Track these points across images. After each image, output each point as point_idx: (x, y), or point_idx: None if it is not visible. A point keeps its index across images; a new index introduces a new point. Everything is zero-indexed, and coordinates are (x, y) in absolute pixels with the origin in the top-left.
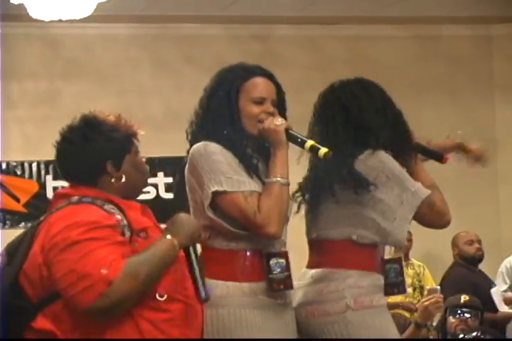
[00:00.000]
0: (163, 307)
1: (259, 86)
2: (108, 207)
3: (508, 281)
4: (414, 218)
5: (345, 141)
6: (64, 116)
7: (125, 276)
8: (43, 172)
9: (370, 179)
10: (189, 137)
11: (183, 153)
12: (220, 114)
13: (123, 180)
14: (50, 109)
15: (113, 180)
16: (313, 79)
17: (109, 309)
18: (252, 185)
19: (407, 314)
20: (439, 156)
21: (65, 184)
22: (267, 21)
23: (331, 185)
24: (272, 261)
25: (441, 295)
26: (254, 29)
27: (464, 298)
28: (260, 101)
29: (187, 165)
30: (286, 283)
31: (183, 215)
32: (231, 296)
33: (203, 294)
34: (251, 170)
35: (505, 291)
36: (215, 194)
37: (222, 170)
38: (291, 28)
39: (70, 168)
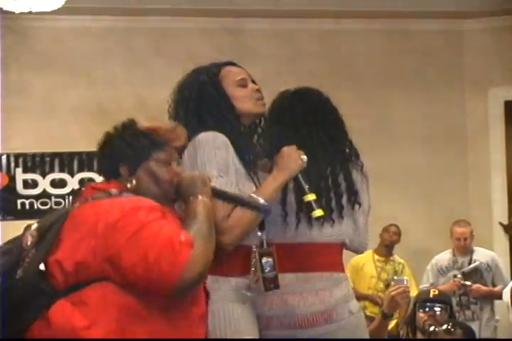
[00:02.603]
0: (191, 309)
1: (234, 70)
2: None
3: (431, 280)
4: None
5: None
6: (34, 108)
7: (198, 239)
8: (12, 164)
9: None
10: None
11: None
12: (216, 105)
13: (133, 183)
14: (20, 101)
15: (128, 185)
16: (285, 73)
17: (198, 278)
18: (237, 189)
19: (375, 308)
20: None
21: (36, 177)
22: (238, 15)
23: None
24: (264, 260)
25: (408, 286)
26: (226, 22)
27: (433, 292)
28: (244, 84)
29: (186, 151)
30: (275, 282)
31: (183, 178)
32: (221, 290)
33: (261, 204)
34: (251, 164)
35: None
36: None
37: (218, 167)
38: (264, 21)
39: (98, 164)
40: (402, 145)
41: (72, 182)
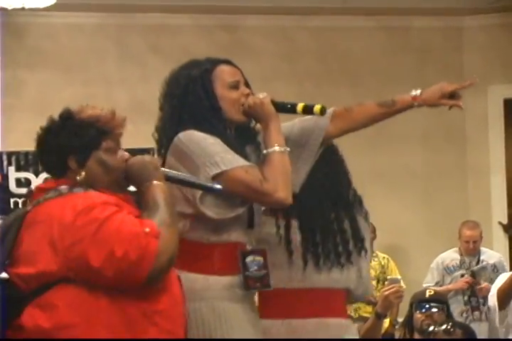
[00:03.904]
0: (156, 298)
1: (228, 71)
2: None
3: (436, 278)
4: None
5: None
6: (28, 106)
7: (162, 227)
8: (5, 163)
9: None
10: (159, 132)
11: (149, 145)
12: (200, 106)
13: (82, 175)
14: (13, 99)
15: (78, 177)
16: (281, 70)
17: (167, 266)
18: (247, 161)
19: (368, 307)
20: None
21: (28, 175)
22: (235, 11)
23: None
24: (248, 259)
25: (403, 285)
26: (223, 19)
27: (429, 292)
28: (236, 86)
29: (171, 153)
30: (263, 281)
31: (132, 163)
32: (212, 289)
33: (216, 186)
34: (242, 157)
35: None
36: (215, 177)
37: (216, 150)
38: (260, 18)
39: (41, 161)
40: (401, 144)
41: None
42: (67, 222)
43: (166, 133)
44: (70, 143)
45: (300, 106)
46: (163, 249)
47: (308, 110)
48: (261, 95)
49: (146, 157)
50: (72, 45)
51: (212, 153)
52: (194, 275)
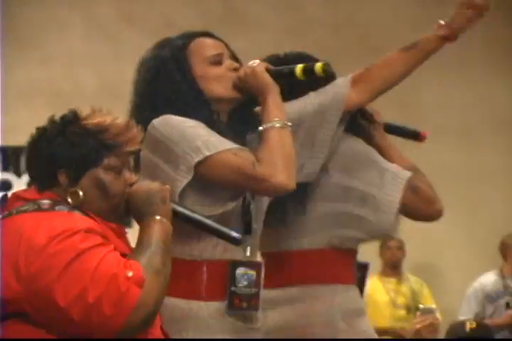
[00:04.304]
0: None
1: (207, 44)
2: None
3: (475, 309)
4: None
5: None
6: None
7: (149, 274)
8: None
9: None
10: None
11: None
12: (176, 89)
13: (80, 196)
14: None
15: (69, 197)
16: (287, 45)
17: (144, 322)
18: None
19: None
20: (415, 134)
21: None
22: None
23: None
24: (239, 271)
25: (438, 317)
26: None
27: (470, 324)
28: (218, 60)
29: (145, 145)
30: (252, 302)
31: (136, 191)
32: (195, 318)
33: (235, 234)
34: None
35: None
36: (198, 166)
37: (196, 133)
38: None
39: (27, 168)
40: (435, 139)
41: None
42: (37, 247)
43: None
44: (63, 154)
45: (299, 69)
46: (145, 300)
47: (308, 71)
48: (254, 63)
49: (155, 184)
50: (26, 14)
51: (192, 137)
52: (173, 300)
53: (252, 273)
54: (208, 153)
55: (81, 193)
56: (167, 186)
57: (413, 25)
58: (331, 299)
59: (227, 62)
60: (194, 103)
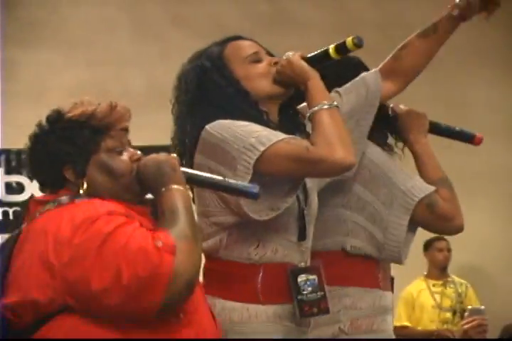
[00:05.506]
0: (178, 331)
1: (242, 45)
2: None
3: None
4: (414, 222)
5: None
6: (21, 92)
7: (180, 240)
8: None
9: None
10: (179, 135)
11: (170, 141)
12: (223, 94)
13: (85, 186)
14: (3, 84)
15: (81, 191)
16: None
17: (186, 290)
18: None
19: None
20: (469, 137)
21: (21, 179)
22: None
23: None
24: (301, 279)
25: (486, 317)
26: None
27: None
28: (257, 58)
29: (199, 151)
30: (321, 306)
31: (145, 164)
32: (253, 322)
33: (253, 189)
34: None
35: None
36: (257, 165)
37: (248, 131)
38: None
39: (34, 177)
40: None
41: None
42: (64, 238)
43: (188, 134)
44: (61, 151)
45: (332, 48)
46: (181, 268)
47: (341, 49)
48: (288, 54)
49: (161, 155)
50: (75, 16)
51: (245, 135)
52: (231, 303)
53: (314, 277)
54: (262, 148)
55: (85, 184)
56: (173, 154)
57: (464, 24)
58: (339, 301)
59: (267, 59)
60: (242, 105)
